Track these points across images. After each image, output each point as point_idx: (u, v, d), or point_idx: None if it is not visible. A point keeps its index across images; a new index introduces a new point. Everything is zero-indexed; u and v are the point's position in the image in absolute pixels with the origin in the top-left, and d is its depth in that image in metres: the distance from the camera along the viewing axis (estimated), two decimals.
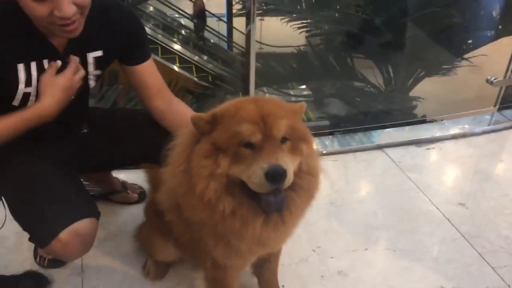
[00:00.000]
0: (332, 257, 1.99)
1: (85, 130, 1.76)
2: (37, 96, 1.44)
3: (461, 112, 3.18)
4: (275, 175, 1.10)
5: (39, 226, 1.50)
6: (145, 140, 1.69)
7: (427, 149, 2.83)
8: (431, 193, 2.41)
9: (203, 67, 7.80)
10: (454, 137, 2.93)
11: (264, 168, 1.10)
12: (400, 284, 1.87)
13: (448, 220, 2.23)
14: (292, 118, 1.22)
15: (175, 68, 7.56)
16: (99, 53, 1.53)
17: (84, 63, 1.52)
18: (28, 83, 1.42)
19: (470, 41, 5.41)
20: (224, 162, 1.17)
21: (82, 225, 1.50)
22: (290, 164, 1.15)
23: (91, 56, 1.52)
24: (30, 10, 1.27)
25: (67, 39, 1.43)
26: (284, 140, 1.17)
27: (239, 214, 1.21)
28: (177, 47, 7.95)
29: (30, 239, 1.69)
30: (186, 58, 7.83)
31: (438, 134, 2.94)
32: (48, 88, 1.42)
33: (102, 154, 1.76)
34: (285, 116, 1.20)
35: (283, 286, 1.78)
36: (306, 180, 1.24)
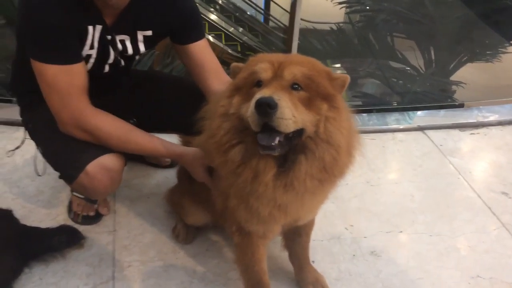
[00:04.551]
0: (365, 237, 1.94)
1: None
2: (96, 58, 1.49)
3: (508, 98, 3.01)
4: (262, 103, 1.06)
5: (68, 161, 1.53)
6: (181, 107, 1.67)
7: (471, 134, 2.71)
8: (473, 180, 2.31)
9: (236, 38, 7.67)
10: (501, 123, 2.79)
11: (256, 98, 1.08)
12: (435, 270, 1.81)
13: (489, 208, 2.13)
14: (317, 72, 1.17)
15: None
16: (149, 32, 1.55)
17: (134, 41, 1.53)
18: (92, 45, 1.45)
19: None
20: (236, 100, 1.18)
21: (109, 159, 1.52)
22: (290, 104, 1.09)
23: (141, 34, 1.54)
24: None
25: (118, 17, 1.45)
26: (297, 87, 1.14)
27: (249, 164, 1.18)
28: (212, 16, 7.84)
29: (60, 177, 1.72)
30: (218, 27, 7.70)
31: (483, 119, 2.81)
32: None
33: (138, 115, 1.74)
34: (308, 67, 1.17)
35: (313, 261, 1.75)
36: (321, 148, 1.17)
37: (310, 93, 1.15)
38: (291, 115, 1.09)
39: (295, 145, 1.17)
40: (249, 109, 1.10)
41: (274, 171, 1.19)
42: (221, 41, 7.49)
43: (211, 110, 1.29)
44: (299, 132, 1.15)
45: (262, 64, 1.16)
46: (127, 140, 1.49)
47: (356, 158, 1.26)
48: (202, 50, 1.62)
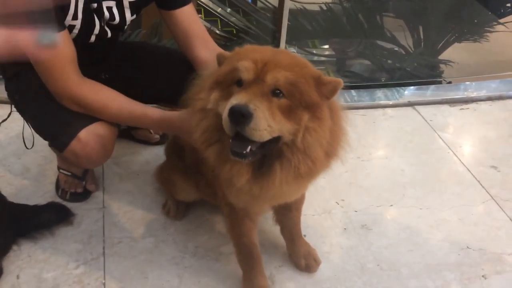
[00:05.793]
0: (356, 211, 1.94)
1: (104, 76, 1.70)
2: (81, 29, 1.43)
3: (498, 74, 3.01)
4: (235, 112, 1.02)
5: (59, 129, 1.50)
6: (170, 77, 1.64)
7: (461, 109, 2.71)
8: (462, 154, 2.32)
9: (225, 20, 7.57)
10: (490, 98, 2.79)
11: (232, 103, 1.03)
12: (425, 242, 1.82)
13: (479, 182, 2.15)
14: (303, 79, 1.09)
15: None
16: None
17: (120, 7, 1.49)
18: (75, 16, 1.40)
19: (508, 4, 5.12)
20: (214, 96, 1.13)
21: (101, 126, 1.49)
22: (267, 114, 1.04)
23: (127, 0, 1.49)
24: None
25: None
26: (278, 93, 1.07)
27: (224, 168, 1.17)
28: None
29: (50, 145, 1.67)
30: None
31: (473, 94, 2.80)
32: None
33: (125, 87, 1.71)
34: (293, 71, 1.09)
35: (305, 235, 1.75)
36: (297, 158, 1.13)
37: (292, 101, 1.08)
38: (266, 125, 1.04)
39: (271, 150, 1.13)
40: (223, 113, 1.05)
41: (248, 176, 1.17)
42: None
43: (198, 88, 1.24)
44: (276, 139, 1.10)
45: (245, 62, 1.08)
46: (112, 107, 1.45)
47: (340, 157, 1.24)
48: (189, 16, 1.58)
